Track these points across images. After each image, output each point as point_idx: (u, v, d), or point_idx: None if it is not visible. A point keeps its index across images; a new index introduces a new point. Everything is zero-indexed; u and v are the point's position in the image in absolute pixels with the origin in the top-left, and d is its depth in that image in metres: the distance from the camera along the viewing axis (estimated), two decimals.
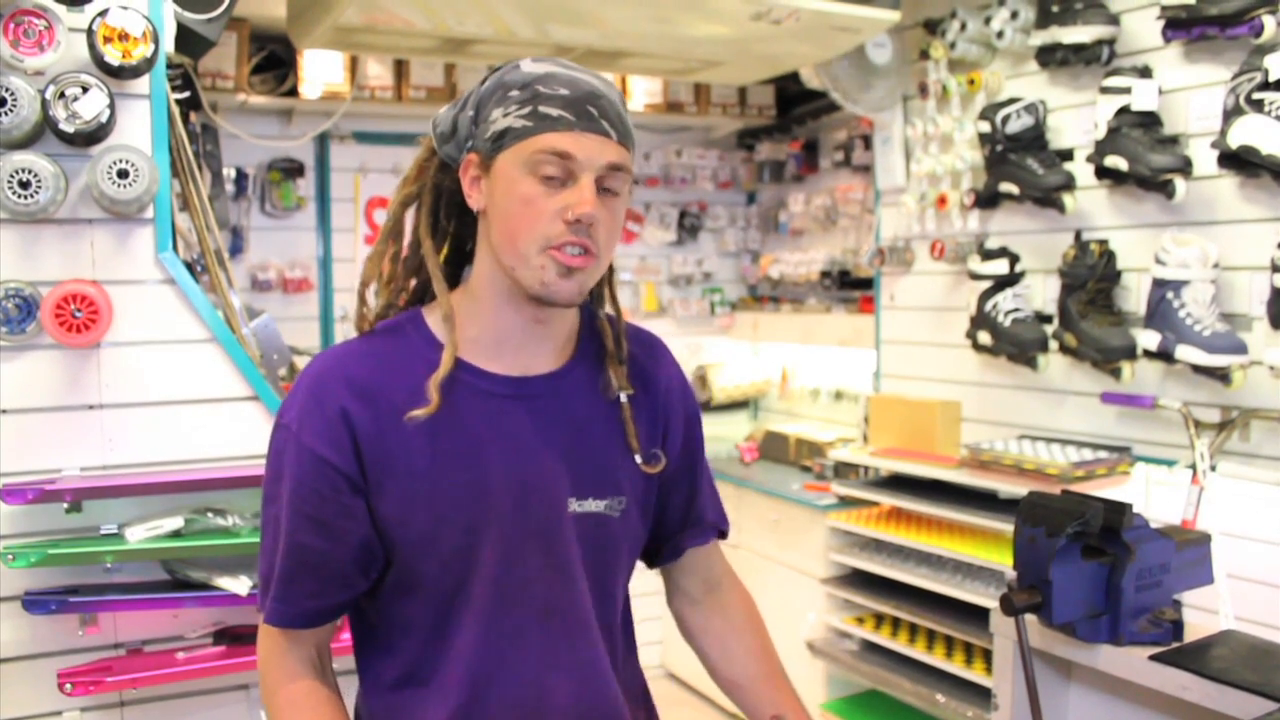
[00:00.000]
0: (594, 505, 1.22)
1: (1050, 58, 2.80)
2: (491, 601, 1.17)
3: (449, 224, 1.26)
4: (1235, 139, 2.27)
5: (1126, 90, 2.54)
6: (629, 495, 1.26)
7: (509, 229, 1.13)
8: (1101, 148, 2.62)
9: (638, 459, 1.25)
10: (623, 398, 1.25)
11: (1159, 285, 2.48)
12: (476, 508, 1.16)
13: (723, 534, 1.42)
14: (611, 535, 1.24)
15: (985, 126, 2.93)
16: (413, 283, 1.26)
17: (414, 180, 1.24)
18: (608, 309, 1.29)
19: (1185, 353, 2.41)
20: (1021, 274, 2.97)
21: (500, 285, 1.17)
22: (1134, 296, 2.70)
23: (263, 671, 1.22)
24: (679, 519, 1.37)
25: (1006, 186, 2.93)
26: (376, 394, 1.15)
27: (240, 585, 1.84)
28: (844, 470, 3.43)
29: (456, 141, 1.19)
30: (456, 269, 1.28)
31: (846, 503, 3.28)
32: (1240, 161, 2.31)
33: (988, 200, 3.04)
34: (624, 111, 1.16)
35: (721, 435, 4.44)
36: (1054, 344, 2.86)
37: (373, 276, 1.24)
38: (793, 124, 4.44)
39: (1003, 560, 2.66)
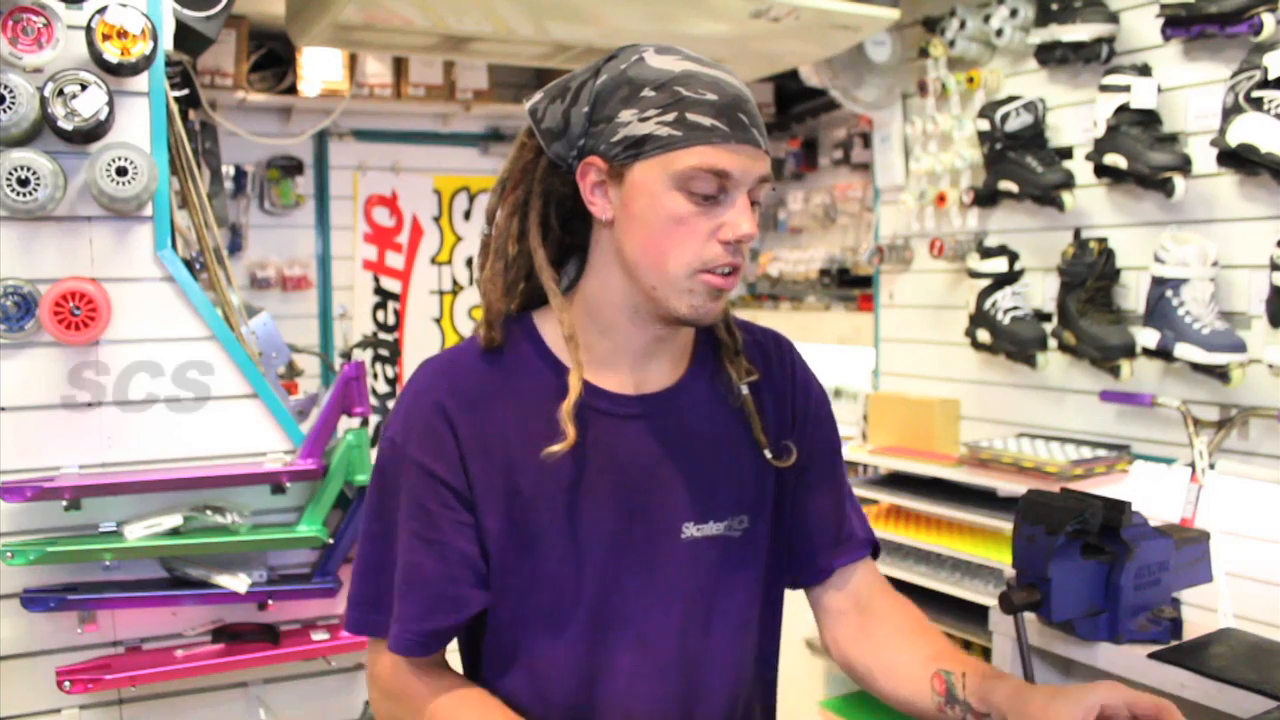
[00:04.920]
0: (714, 528, 1.15)
1: (1049, 56, 2.80)
2: (587, 626, 1.11)
3: (559, 229, 1.16)
4: (1234, 137, 2.27)
5: (1126, 88, 2.54)
6: (751, 511, 1.18)
7: (655, 248, 1.04)
8: (1101, 146, 2.61)
9: (767, 453, 1.16)
10: (744, 389, 1.17)
11: (1158, 283, 2.48)
12: (574, 533, 1.10)
13: (875, 551, 1.27)
14: (732, 557, 1.16)
15: (984, 124, 2.92)
16: (521, 286, 1.16)
17: (519, 183, 1.13)
18: None
19: (1184, 351, 2.41)
20: (1020, 272, 2.97)
21: (627, 302, 1.10)
22: (1133, 295, 2.70)
23: (390, 697, 1.13)
24: (827, 532, 1.24)
25: (1005, 184, 2.92)
26: (482, 405, 1.09)
27: (239, 583, 1.84)
28: None
29: (568, 140, 1.08)
30: (555, 270, 1.16)
31: None
32: (1239, 160, 2.30)
33: (987, 198, 3.04)
34: (758, 111, 1.07)
35: None
36: (1053, 342, 2.86)
37: (495, 301, 1.13)
38: (792, 122, 4.44)
39: (1002, 558, 2.65)
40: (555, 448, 1.05)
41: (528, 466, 1.09)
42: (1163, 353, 2.47)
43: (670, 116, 1.02)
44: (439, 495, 1.08)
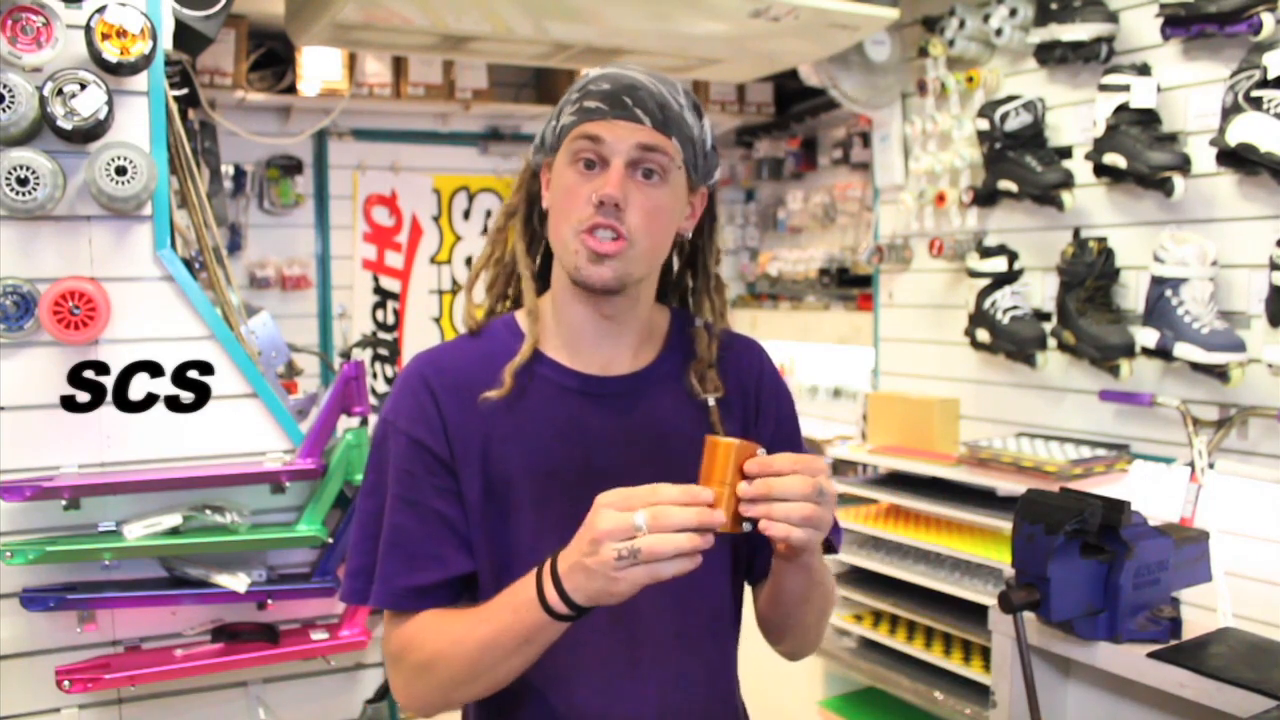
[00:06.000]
0: None
1: (1049, 55, 2.80)
2: None
3: (543, 230, 1.29)
4: (1234, 136, 2.27)
5: (1125, 88, 2.54)
6: None
7: (556, 217, 1.18)
8: (1100, 145, 2.61)
9: None
10: (710, 401, 1.25)
11: (1157, 283, 2.48)
12: (543, 507, 1.17)
13: (831, 547, 1.27)
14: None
15: (984, 124, 2.92)
16: (512, 290, 1.31)
17: (516, 191, 1.30)
18: (706, 316, 1.29)
19: (1184, 350, 2.42)
20: (1020, 271, 2.97)
21: (564, 280, 1.21)
22: (1132, 294, 2.70)
23: (397, 660, 1.18)
24: None
25: (1005, 184, 2.93)
26: (463, 383, 1.20)
27: (238, 582, 1.84)
28: (842, 468, 3.43)
29: (544, 150, 1.25)
30: (533, 262, 1.30)
31: (845, 500, 3.28)
32: (1239, 159, 2.30)
33: (986, 198, 3.04)
34: (671, 102, 1.17)
35: None
36: (1052, 341, 2.86)
37: (475, 279, 1.31)
38: (791, 121, 4.44)
39: (1001, 558, 2.66)
40: (490, 393, 1.18)
41: (498, 437, 1.19)
42: (1162, 352, 2.47)
43: (574, 107, 1.18)
44: (424, 461, 1.18)
